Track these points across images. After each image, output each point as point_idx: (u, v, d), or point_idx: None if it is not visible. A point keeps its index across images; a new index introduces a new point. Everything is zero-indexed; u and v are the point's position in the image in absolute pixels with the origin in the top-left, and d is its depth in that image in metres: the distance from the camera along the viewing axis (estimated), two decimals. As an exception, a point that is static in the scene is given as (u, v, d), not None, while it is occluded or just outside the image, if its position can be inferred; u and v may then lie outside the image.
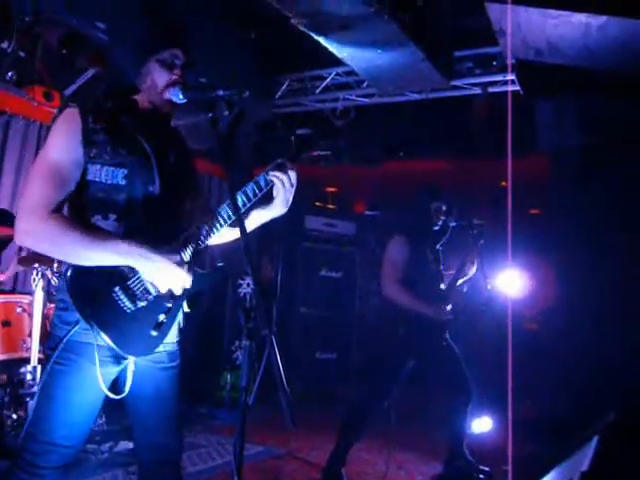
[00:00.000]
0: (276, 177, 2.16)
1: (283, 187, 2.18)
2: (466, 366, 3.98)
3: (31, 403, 3.64)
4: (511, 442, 3.71)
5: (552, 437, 4.44)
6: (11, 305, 4.12)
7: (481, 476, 3.99)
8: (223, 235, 2.28)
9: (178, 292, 2.02)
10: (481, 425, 4.31)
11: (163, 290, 2.00)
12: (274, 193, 2.21)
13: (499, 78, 5.56)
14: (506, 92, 5.51)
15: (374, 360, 4.38)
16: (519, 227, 3.36)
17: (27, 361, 3.91)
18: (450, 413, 4.01)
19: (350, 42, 4.72)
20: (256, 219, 2.31)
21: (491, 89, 5.66)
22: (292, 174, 2.19)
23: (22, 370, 3.92)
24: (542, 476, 2.10)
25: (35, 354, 3.88)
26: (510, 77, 5.37)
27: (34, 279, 3.96)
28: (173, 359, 2.18)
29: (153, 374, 2.13)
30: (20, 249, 4.63)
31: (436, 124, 6.53)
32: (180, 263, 1.98)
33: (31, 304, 4.01)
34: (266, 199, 2.23)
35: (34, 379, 3.82)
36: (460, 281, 4.07)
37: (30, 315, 4.01)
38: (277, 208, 2.25)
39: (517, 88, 5.36)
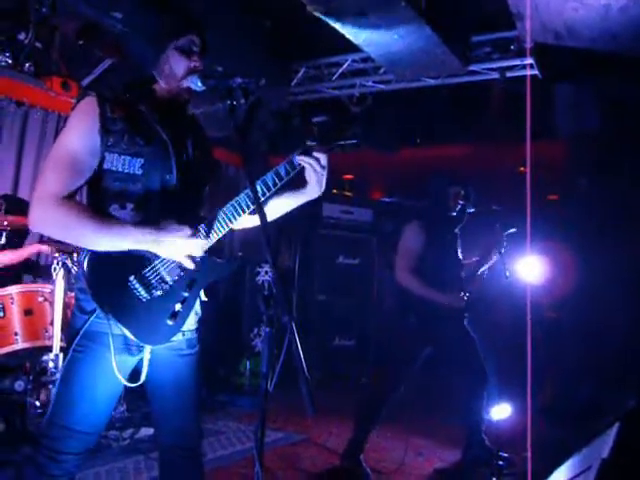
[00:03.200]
0: (304, 161, 2.12)
1: (314, 170, 2.14)
2: (485, 353, 3.96)
3: (53, 390, 3.69)
4: (531, 428, 3.70)
5: (572, 424, 4.43)
6: (32, 294, 4.17)
7: (500, 462, 3.99)
8: (245, 221, 2.26)
9: (199, 253, 2.02)
10: (500, 411, 4.30)
11: (187, 264, 2.01)
12: (306, 177, 2.17)
13: (517, 62, 5.50)
14: (524, 76, 5.45)
15: (389, 347, 4.38)
16: (537, 213, 3.33)
17: (49, 349, 3.96)
18: (467, 400, 4.00)
19: (366, 28, 4.69)
20: (290, 203, 2.28)
21: (509, 74, 5.60)
22: (321, 156, 2.14)
23: (44, 358, 3.96)
24: (562, 462, 2.09)
25: (57, 342, 3.93)
26: (529, 61, 5.31)
27: (54, 268, 3.99)
28: (192, 346, 2.20)
29: (173, 361, 2.15)
30: (41, 238, 4.67)
31: (453, 110, 6.48)
32: (191, 235, 1.98)
33: (52, 293, 4.06)
34: (299, 183, 2.19)
35: (56, 367, 3.88)
36: (482, 268, 4.04)
37: (51, 304, 4.06)
38: (312, 191, 2.21)
39: (536, 72, 5.30)
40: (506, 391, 4.40)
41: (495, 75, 5.67)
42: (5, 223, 4.10)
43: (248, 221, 2.29)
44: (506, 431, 4.29)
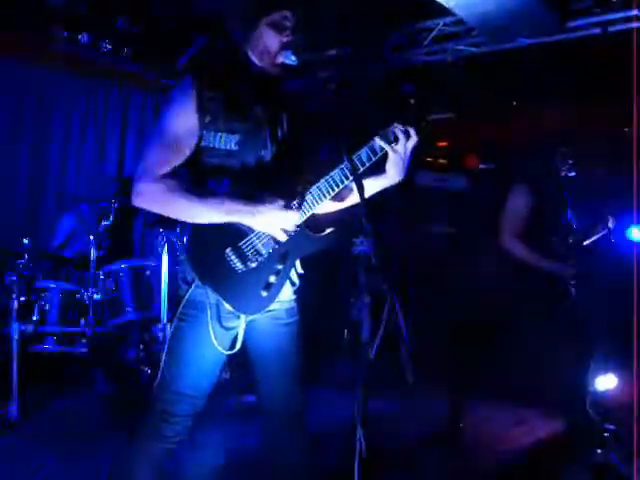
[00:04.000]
0: (394, 140, 2.09)
1: (396, 153, 2.10)
2: (594, 321, 3.82)
3: (162, 357, 3.90)
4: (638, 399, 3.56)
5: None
6: (140, 268, 4.40)
7: (606, 434, 3.87)
8: (328, 206, 2.27)
9: (292, 227, 2.06)
10: (606, 382, 4.16)
11: (280, 237, 2.05)
12: (388, 161, 2.14)
13: (620, 15, 5.16)
14: (627, 30, 5.11)
15: (490, 316, 4.31)
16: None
17: (158, 320, 4.17)
18: (573, 370, 3.89)
19: (457, -11, 4.56)
20: (372, 186, 2.24)
21: (611, 28, 5.27)
22: (410, 140, 2.10)
23: (153, 328, 4.19)
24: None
25: (164, 313, 4.13)
26: (635, 12, 4.96)
27: (160, 243, 4.18)
28: (291, 315, 2.26)
29: (273, 330, 2.22)
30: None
31: (550, 69, 6.19)
32: (285, 206, 2.02)
33: (158, 266, 4.26)
34: (379, 167, 2.17)
35: (164, 336, 4.09)
36: (592, 239, 3.86)
37: (158, 277, 4.26)
38: (390, 177, 2.18)
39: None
40: (614, 361, 4.24)
41: (596, 31, 5.35)
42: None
43: (330, 206, 2.29)
44: (613, 402, 4.15)
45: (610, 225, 3.81)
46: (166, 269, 4.15)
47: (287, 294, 2.23)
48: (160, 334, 4.10)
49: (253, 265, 2.07)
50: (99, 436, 3.67)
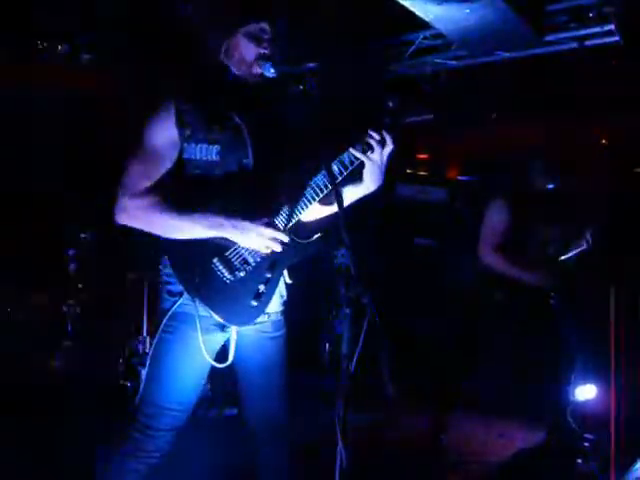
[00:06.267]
0: (368, 148, 2.08)
1: (372, 162, 2.09)
2: (575, 332, 3.85)
3: (144, 371, 3.86)
4: (615, 409, 3.59)
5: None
6: (120, 281, 4.37)
7: (585, 444, 3.89)
8: (317, 210, 2.27)
9: (277, 249, 2.04)
10: (586, 392, 4.19)
11: (263, 250, 2.04)
12: (364, 168, 2.13)
13: (596, 30, 5.24)
14: (604, 45, 5.19)
15: (471, 330, 4.32)
16: (623, 186, 3.20)
17: (139, 333, 4.14)
18: (553, 381, 3.92)
19: (437, 3, 4.60)
20: (352, 193, 2.24)
21: (588, 42, 5.35)
22: (385, 147, 2.09)
23: (134, 341, 4.15)
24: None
25: (144, 326, 4.10)
26: (609, 27, 5.04)
27: (140, 255, 4.16)
28: (278, 328, 2.26)
29: (259, 343, 2.22)
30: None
31: (529, 83, 6.27)
32: (269, 224, 2.02)
33: (139, 279, 4.23)
34: (356, 176, 2.16)
35: (145, 349, 4.05)
36: (573, 252, 3.90)
37: (138, 290, 4.23)
38: (366, 185, 2.17)
39: (617, 39, 5.04)
40: (593, 370, 4.27)
41: (573, 45, 5.43)
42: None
43: (318, 211, 2.29)
44: (592, 412, 4.17)
45: (584, 246, 3.84)
46: (146, 282, 4.12)
47: (275, 306, 2.23)
48: (140, 347, 4.07)
49: (242, 274, 2.06)
50: (79, 451, 3.61)
